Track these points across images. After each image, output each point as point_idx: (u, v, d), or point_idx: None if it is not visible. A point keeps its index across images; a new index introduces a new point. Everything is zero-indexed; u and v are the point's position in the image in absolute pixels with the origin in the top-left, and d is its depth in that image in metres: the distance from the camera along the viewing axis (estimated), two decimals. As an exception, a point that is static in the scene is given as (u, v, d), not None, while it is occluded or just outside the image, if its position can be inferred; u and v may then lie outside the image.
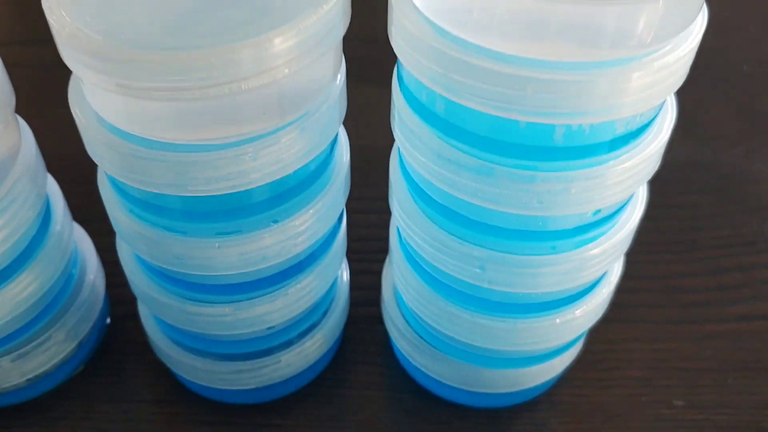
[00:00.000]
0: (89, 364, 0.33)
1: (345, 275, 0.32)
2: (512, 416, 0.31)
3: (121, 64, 0.19)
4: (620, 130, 0.20)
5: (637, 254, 0.30)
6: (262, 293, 0.26)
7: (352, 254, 0.32)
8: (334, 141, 0.26)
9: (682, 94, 0.22)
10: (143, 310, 0.31)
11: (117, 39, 0.19)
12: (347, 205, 0.28)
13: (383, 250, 0.31)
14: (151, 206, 0.24)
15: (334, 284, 0.31)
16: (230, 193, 0.22)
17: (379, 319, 0.34)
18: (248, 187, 0.22)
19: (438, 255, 0.25)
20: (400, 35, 0.20)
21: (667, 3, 0.17)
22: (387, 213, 0.27)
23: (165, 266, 0.25)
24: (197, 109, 0.21)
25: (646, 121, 0.21)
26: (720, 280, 0.36)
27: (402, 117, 0.23)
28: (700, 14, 0.19)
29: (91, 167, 0.25)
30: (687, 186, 0.39)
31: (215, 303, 0.26)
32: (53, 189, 0.30)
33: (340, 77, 0.24)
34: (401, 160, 0.26)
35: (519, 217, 0.22)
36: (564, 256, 0.24)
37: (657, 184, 0.23)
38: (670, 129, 0.22)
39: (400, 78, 0.23)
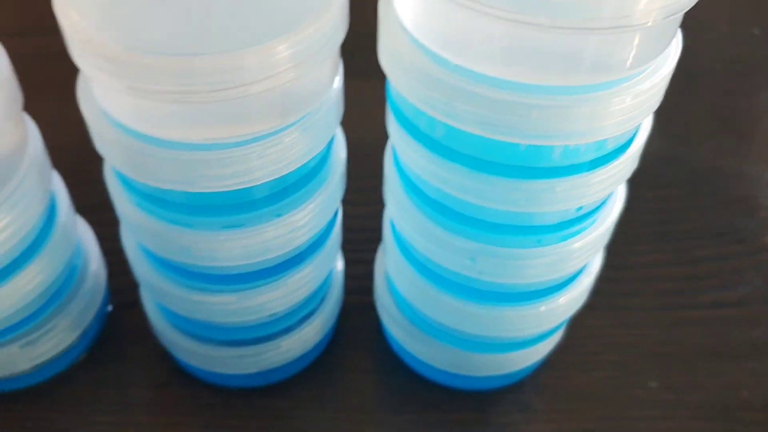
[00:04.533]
0: (92, 351, 0.34)
1: (339, 265, 0.34)
2: (498, 398, 0.33)
3: (134, 69, 0.20)
4: (611, 145, 0.22)
5: (614, 245, 0.32)
6: (265, 282, 0.28)
7: (345, 244, 0.33)
8: (332, 139, 0.27)
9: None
10: (146, 297, 0.32)
11: (129, 43, 0.20)
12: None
13: (374, 240, 0.33)
14: (157, 200, 0.25)
15: (330, 273, 0.32)
16: (235, 190, 0.24)
17: (371, 307, 0.36)
18: (253, 184, 0.24)
19: (430, 247, 0.26)
20: (390, 57, 0.22)
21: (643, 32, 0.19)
22: (376, 204, 0.29)
23: (171, 258, 0.26)
24: (205, 111, 0.22)
25: (632, 135, 0.23)
26: (691, 270, 0.38)
27: (394, 126, 0.24)
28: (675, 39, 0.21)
29: (89, 157, 0.25)
30: (660, 180, 0.41)
31: (220, 292, 0.28)
32: (57, 182, 0.31)
33: (339, 80, 0.25)
34: (395, 156, 0.27)
35: (507, 212, 0.24)
36: (549, 249, 0.25)
37: (632, 179, 0.25)
38: (647, 131, 0.24)
39: (388, 94, 0.25)
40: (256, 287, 0.28)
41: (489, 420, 0.32)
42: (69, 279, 0.32)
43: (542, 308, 0.28)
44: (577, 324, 0.34)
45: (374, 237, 0.34)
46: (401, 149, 0.25)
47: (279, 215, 0.25)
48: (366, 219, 0.35)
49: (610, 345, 0.35)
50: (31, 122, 0.29)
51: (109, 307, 0.36)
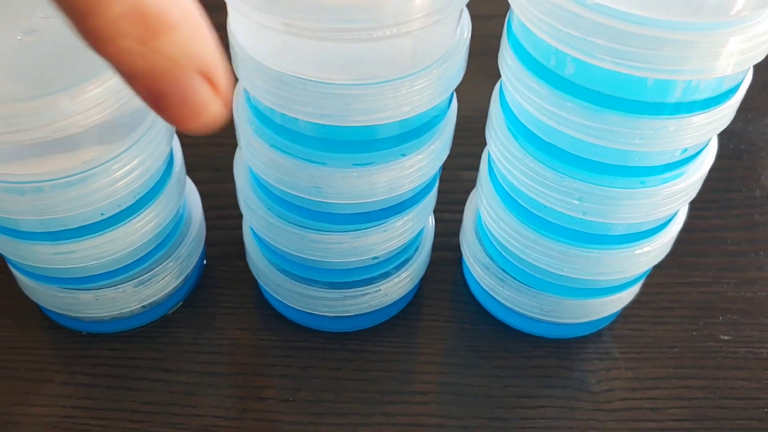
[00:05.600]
0: (191, 298, 0.36)
1: (431, 220, 0.35)
2: (580, 346, 0.35)
3: (290, 7, 0.22)
4: (725, 86, 0.24)
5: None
6: (374, 225, 0.30)
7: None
8: (453, 93, 0.29)
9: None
10: (251, 246, 0.34)
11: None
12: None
13: (452, 202, 0.35)
14: (294, 135, 0.26)
15: (425, 225, 0.34)
16: (367, 126, 0.25)
17: (454, 262, 0.38)
18: (383, 122, 0.25)
19: (537, 188, 0.28)
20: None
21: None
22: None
23: (303, 195, 0.28)
24: (345, 52, 0.24)
25: (738, 82, 0.25)
26: (754, 234, 0.40)
27: (512, 64, 0.26)
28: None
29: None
30: (722, 152, 0.43)
31: (335, 232, 0.29)
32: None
33: (467, 34, 0.27)
34: (502, 96, 0.29)
35: (618, 153, 0.26)
36: (651, 190, 0.27)
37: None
38: (749, 82, 0.26)
39: (510, 33, 0.27)
40: (367, 228, 0.30)
41: (572, 366, 0.34)
42: (177, 226, 0.34)
43: (636, 251, 0.30)
44: (649, 281, 0.36)
45: (451, 199, 0.35)
46: (517, 89, 0.26)
47: (404, 155, 0.27)
48: (443, 182, 0.37)
49: (681, 301, 0.37)
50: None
51: (204, 261, 0.37)
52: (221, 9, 0.25)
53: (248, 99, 0.28)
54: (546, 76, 0.25)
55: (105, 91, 0.25)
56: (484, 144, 0.32)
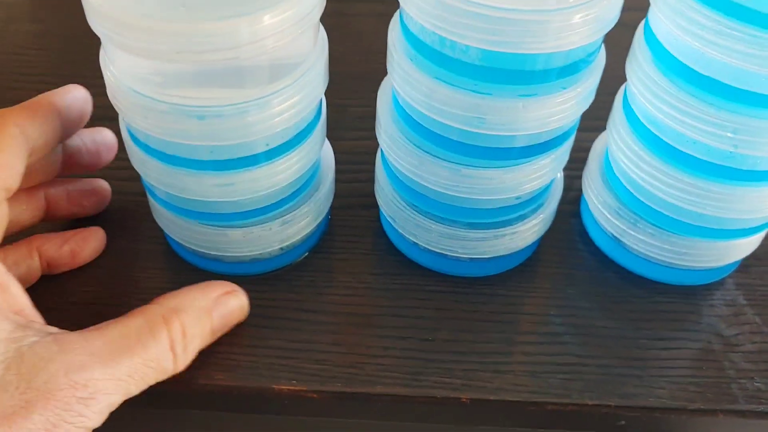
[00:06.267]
0: (321, 245, 0.37)
1: (560, 173, 0.36)
2: (706, 293, 0.35)
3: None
4: None
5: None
6: (524, 161, 0.30)
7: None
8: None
9: None
10: (387, 189, 0.34)
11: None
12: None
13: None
14: (461, 65, 0.27)
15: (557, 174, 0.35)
16: (536, 55, 0.26)
17: (571, 214, 0.38)
18: (551, 51, 0.26)
19: (688, 122, 0.29)
20: None
21: None
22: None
23: (464, 128, 0.28)
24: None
25: None
26: None
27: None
28: None
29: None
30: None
31: (486, 168, 0.30)
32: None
33: None
34: (648, 29, 0.30)
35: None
36: (805, 124, 0.28)
37: None
38: None
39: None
40: (516, 165, 0.30)
41: (701, 311, 0.35)
42: (315, 172, 0.35)
43: (778, 189, 0.30)
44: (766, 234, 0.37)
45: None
46: (674, 21, 0.27)
47: (564, 88, 0.28)
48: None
49: (799, 254, 0.37)
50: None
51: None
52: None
53: (406, 31, 0.29)
54: (713, 2, 0.26)
55: (282, 21, 0.26)
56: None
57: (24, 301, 0.28)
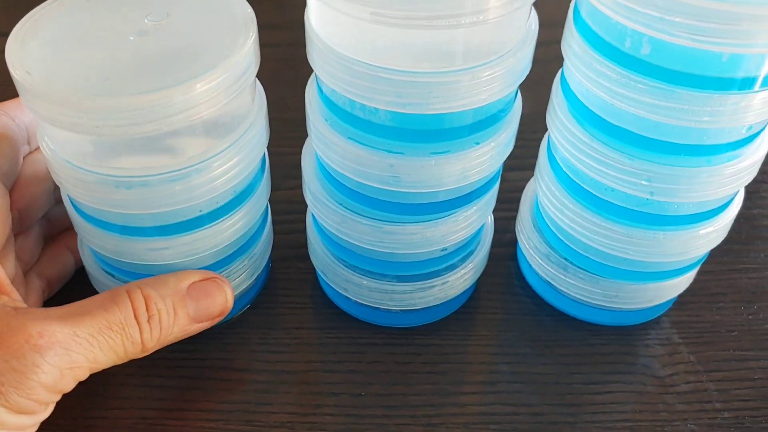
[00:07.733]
0: (258, 299, 0.36)
1: (490, 217, 0.36)
2: (640, 333, 0.35)
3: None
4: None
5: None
6: (446, 214, 0.30)
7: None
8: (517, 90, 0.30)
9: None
10: (317, 244, 0.34)
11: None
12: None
13: (501, 200, 0.35)
14: (373, 126, 0.27)
15: (486, 220, 0.35)
16: (446, 114, 0.26)
17: (507, 257, 0.38)
18: (462, 110, 0.26)
19: (604, 171, 0.29)
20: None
21: None
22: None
23: (381, 186, 0.28)
24: (429, 40, 0.25)
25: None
26: (797, 221, 0.41)
27: (580, 49, 0.27)
28: None
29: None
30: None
31: (408, 223, 0.30)
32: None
33: (535, 26, 0.27)
34: (564, 82, 0.30)
35: (687, 131, 0.27)
36: (716, 169, 0.28)
37: None
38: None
39: (576, 15, 0.28)
40: (438, 219, 0.30)
41: (636, 352, 0.35)
42: (262, 226, 0.34)
43: (701, 231, 0.31)
44: (701, 270, 0.37)
45: (500, 198, 0.36)
46: (584, 73, 0.27)
47: (477, 143, 0.28)
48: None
49: (733, 287, 0.37)
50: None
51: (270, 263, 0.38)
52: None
53: (322, 94, 0.29)
54: (617, 58, 0.26)
55: (213, 88, 0.26)
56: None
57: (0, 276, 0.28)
